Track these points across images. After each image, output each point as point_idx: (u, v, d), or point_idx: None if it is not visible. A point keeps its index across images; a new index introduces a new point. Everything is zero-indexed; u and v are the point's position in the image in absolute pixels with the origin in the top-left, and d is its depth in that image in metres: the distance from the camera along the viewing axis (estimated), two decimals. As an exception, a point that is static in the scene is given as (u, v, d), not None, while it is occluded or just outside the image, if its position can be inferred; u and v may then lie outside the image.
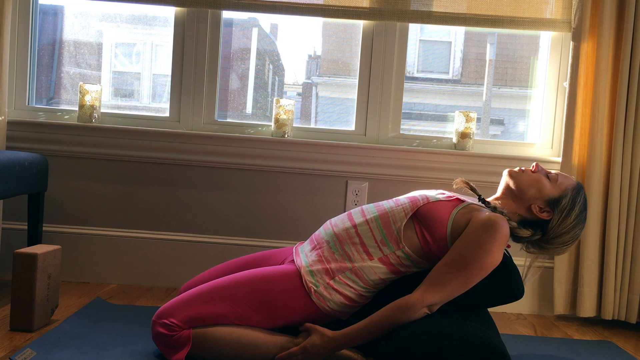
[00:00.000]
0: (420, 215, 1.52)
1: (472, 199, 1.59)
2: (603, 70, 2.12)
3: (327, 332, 1.46)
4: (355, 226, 1.56)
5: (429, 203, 1.53)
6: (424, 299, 1.42)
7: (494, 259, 1.43)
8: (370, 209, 1.59)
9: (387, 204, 1.59)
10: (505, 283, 1.50)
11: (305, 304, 1.51)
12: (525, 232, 1.54)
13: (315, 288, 1.50)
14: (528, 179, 1.57)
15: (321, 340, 1.45)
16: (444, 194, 1.58)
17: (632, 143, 2.12)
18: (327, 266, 1.52)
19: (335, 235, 1.57)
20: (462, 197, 1.57)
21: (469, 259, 1.42)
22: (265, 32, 2.63)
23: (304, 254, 1.60)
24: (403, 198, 1.59)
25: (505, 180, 1.61)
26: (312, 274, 1.52)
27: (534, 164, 1.60)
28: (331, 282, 1.51)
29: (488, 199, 1.64)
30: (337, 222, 1.61)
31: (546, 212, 1.54)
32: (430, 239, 1.51)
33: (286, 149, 2.28)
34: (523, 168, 1.61)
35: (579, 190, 1.57)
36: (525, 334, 2.00)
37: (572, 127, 2.16)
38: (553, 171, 1.61)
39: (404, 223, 1.51)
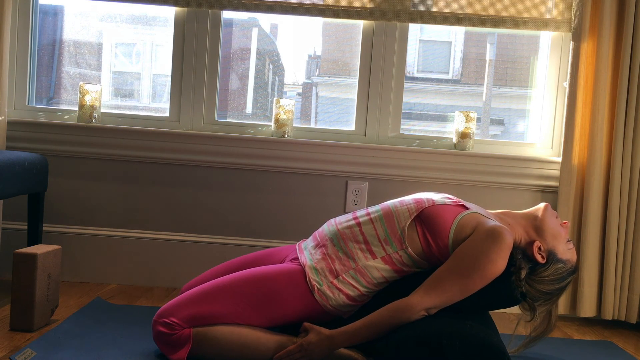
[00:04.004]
0: (424, 216, 1.52)
1: (477, 207, 1.60)
2: (603, 70, 2.12)
3: (324, 330, 1.46)
4: (359, 224, 1.56)
5: (434, 205, 1.53)
6: (423, 302, 1.42)
7: (497, 269, 1.43)
8: (375, 209, 1.60)
9: (391, 203, 1.59)
10: (503, 287, 1.49)
11: (307, 302, 1.51)
12: (520, 261, 1.49)
13: (318, 286, 1.51)
14: (555, 225, 1.58)
15: (318, 338, 1.45)
16: (450, 198, 1.59)
17: (632, 143, 2.12)
18: (332, 265, 1.53)
19: (339, 233, 1.57)
20: (467, 204, 1.58)
21: (472, 266, 1.42)
22: (265, 32, 2.63)
23: (307, 251, 1.60)
24: (408, 199, 1.59)
25: (539, 207, 1.62)
26: (317, 272, 1.52)
27: (567, 222, 1.61)
28: (335, 282, 1.51)
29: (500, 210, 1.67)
30: (342, 220, 1.62)
31: (541, 256, 1.54)
32: (432, 241, 1.51)
33: (286, 149, 2.28)
34: (557, 216, 1.62)
35: (574, 270, 1.58)
36: (525, 334, 2.00)
37: (572, 127, 2.16)
38: (570, 242, 1.61)
39: (407, 223, 1.52)
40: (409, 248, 1.51)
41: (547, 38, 2.36)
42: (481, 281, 1.43)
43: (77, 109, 2.33)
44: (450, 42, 2.72)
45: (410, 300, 1.43)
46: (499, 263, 1.43)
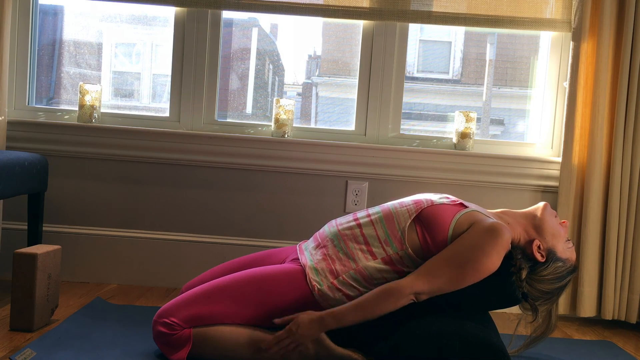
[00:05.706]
0: (423, 217, 1.53)
1: (477, 207, 1.60)
2: (603, 70, 2.12)
3: (314, 312, 1.45)
4: (360, 225, 1.57)
5: (433, 205, 1.54)
6: (413, 286, 1.42)
7: (492, 264, 1.44)
8: (375, 210, 1.61)
9: (391, 205, 1.60)
10: (504, 287, 1.50)
11: (307, 302, 1.51)
12: (520, 261, 1.50)
13: (318, 286, 1.51)
14: (554, 224, 1.59)
15: (309, 319, 1.43)
16: (448, 198, 1.59)
17: (632, 143, 2.12)
18: (332, 266, 1.53)
19: (340, 234, 1.57)
20: (466, 203, 1.58)
21: (467, 258, 1.42)
22: (265, 32, 2.63)
23: (308, 252, 1.60)
24: (408, 200, 1.60)
25: (538, 206, 1.63)
26: (317, 272, 1.52)
27: (566, 222, 1.62)
28: (335, 282, 1.51)
29: (499, 209, 1.68)
30: (342, 221, 1.62)
31: (540, 255, 1.54)
32: (431, 241, 1.51)
33: (286, 149, 2.28)
34: (557, 215, 1.63)
35: (574, 269, 1.59)
36: (525, 334, 2.00)
37: (572, 127, 2.16)
38: (570, 241, 1.62)
39: (407, 224, 1.52)
40: (409, 249, 1.51)
41: (547, 38, 2.36)
42: (473, 274, 1.43)
43: (77, 109, 2.32)
44: (450, 42, 2.72)
45: (401, 282, 1.43)
46: (494, 258, 1.43)
